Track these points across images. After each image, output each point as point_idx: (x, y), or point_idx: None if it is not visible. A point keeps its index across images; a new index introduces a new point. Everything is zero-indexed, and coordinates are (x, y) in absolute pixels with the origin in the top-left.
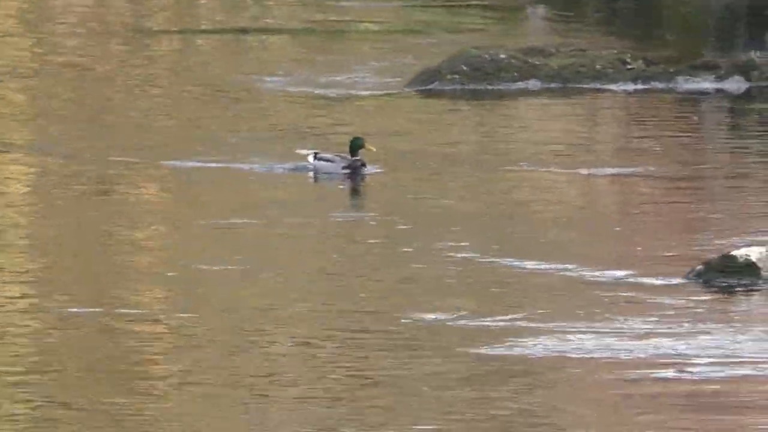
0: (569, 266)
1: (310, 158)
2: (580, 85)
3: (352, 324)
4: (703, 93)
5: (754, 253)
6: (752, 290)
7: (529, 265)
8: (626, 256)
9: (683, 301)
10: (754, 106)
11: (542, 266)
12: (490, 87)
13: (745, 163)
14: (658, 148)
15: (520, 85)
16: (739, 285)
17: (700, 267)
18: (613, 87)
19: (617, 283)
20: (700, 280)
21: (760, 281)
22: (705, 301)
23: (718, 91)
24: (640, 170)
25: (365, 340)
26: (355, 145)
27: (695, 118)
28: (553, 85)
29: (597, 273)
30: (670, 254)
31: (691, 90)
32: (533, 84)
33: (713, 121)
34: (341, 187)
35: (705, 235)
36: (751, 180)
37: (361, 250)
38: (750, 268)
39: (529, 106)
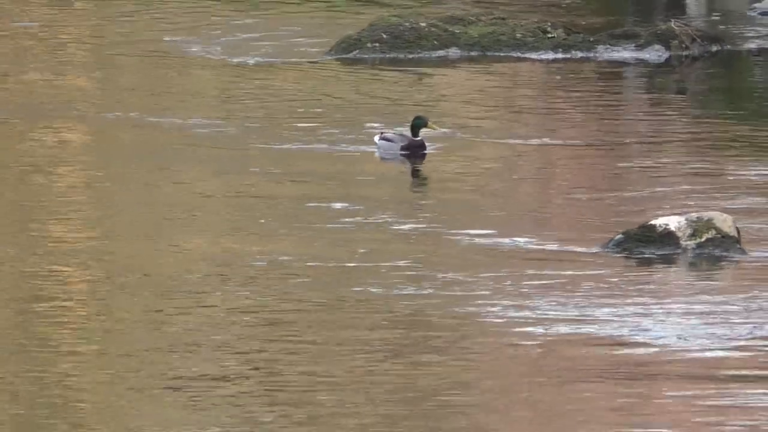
0: (486, 234)
1: (376, 138)
2: (500, 54)
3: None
4: (623, 62)
5: (672, 223)
6: (671, 260)
7: (446, 233)
8: (545, 225)
9: (601, 270)
10: (674, 75)
11: (459, 234)
12: (410, 55)
13: (665, 133)
14: (578, 117)
15: (441, 53)
16: (658, 254)
17: (619, 236)
18: (533, 56)
19: (535, 253)
20: (619, 250)
21: (679, 250)
22: (622, 270)
23: (638, 60)
24: (560, 139)
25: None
26: (416, 125)
27: (616, 86)
28: (473, 53)
29: (515, 242)
30: (590, 224)
31: (611, 59)
32: (453, 52)
33: (633, 90)
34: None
35: (625, 204)
36: (672, 150)
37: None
38: (669, 237)
39: (448, 74)
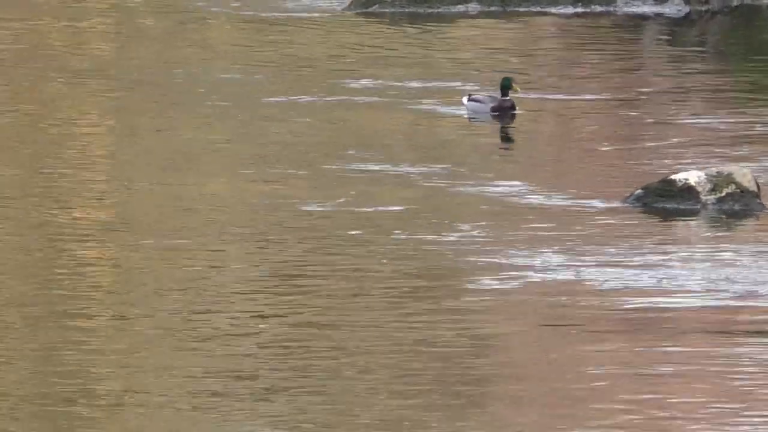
0: (509, 190)
1: (464, 99)
2: (520, 9)
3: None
4: (643, 17)
5: (692, 177)
6: (691, 214)
7: (470, 189)
8: (567, 180)
9: (620, 224)
10: (694, 30)
11: (482, 190)
12: (430, 10)
13: (685, 89)
14: (598, 72)
15: (461, 8)
16: (678, 209)
17: (639, 191)
18: (552, 10)
19: (556, 207)
20: (639, 204)
21: (699, 205)
22: (642, 224)
23: (658, 15)
24: (581, 94)
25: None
26: (505, 86)
27: (636, 41)
28: (492, 8)
29: (536, 197)
30: (612, 178)
31: (630, 13)
32: (473, 7)
33: (653, 45)
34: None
35: (646, 159)
36: (691, 105)
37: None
38: (689, 191)
39: (469, 28)
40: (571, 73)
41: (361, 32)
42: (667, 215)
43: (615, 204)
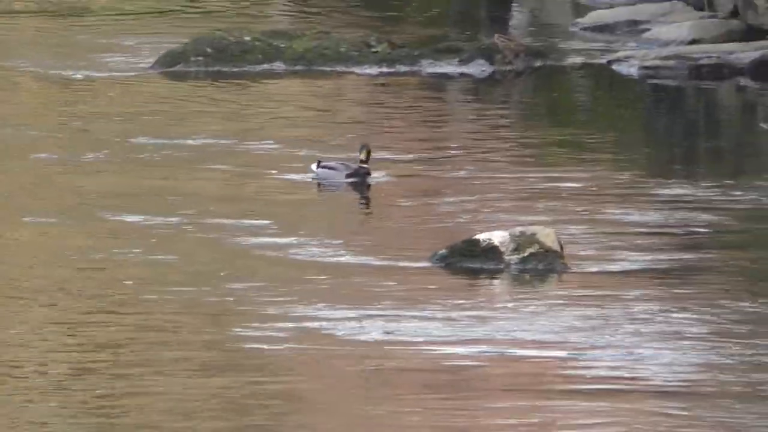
0: (309, 248)
1: (313, 167)
2: (324, 68)
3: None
4: (448, 76)
5: (496, 237)
6: (494, 274)
7: (269, 245)
8: (371, 238)
9: (423, 284)
10: (497, 90)
11: (282, 247)
12: (235, 69)
13: (490, 145)
14: (403, 132)
15: (265, 66)
16: (481, 269)
17: (443, 251)
18: (357, 70)
19: (358, 266)
20: (443, 264)
21: (502, 265)
22: (445, 284)
23: (462, 74)
24: (386, 153)
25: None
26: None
27: (439, 100)
28: (297, 67)
29: (339, 257)
30: (416, 239)
31: (435, 73)
32: (278, 66)
33: (457, 104)
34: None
35: (451, 220)
36: (498, 165)
37: None
38: (492, 251)
39: (273, 87)
40: (374, 130)
41: (162, 91)
42: (470, 274)
43: (420, 264)
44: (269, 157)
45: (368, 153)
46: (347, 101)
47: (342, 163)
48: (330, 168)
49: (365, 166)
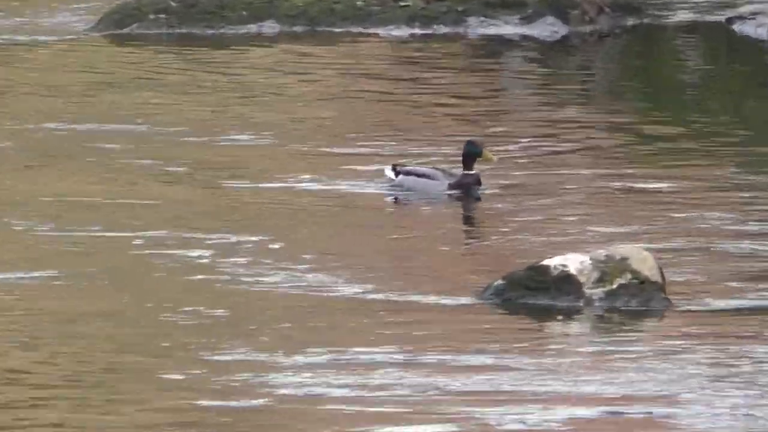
0: (333, 281)
1: (389, 172)
2: (334, 29)
3: None
4: (505, 39)
5: (573, 263)
6: (571, 315)
7: (298, 280)
8: (402, 269)
9: (473, 327)
10: (573, 58)
11: (307, 282)
12: (210, 31)
13: (560, 137)
14: (445, 119)
15: (252, 27)
16: (553, 306)
17: (499, 282)
18: (380, 31)
19: (392, 304)
20: (500, 300)
21: (582, 301)
22: (504, 328)
23: (525, 37)
24: (427, 149)
25: None
26: (471, 153)
27: (492, 75)
28: (296, 28)
29: (367, 293)
30: (464, 265)
31: (487, 35)
32: (270, 26)
33: (516, 81)
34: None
35: (508, 236)
36: (571, 161)
37: None
38: (568, 282)
39: (263, 56)
40: (402, 121)
41: (104, 60)
42: (539, 314)
43: (466, 300)
44: (259, 156)
45: (480, 153)
46: (367, 75)
47: (437, 168)
48: (422, 175)
49: (473, 173)
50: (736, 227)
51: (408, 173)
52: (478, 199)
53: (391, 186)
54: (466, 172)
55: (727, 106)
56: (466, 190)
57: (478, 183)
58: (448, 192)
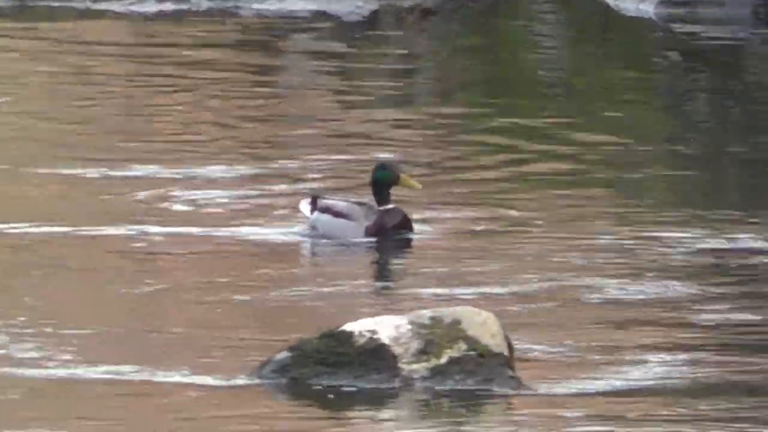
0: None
1: (305, 207)
2: (52, 2)
3: None
4: (291, 18)
5: (385, 328)
6: (383, 401)
7: None
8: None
9: (250, 416)
10: (383, 45)
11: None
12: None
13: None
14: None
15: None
16: (359, 390)
17: (284, 354)
18: (115, 6)
19: (126, 385)
20: (284, 380)
21: (397, 382)
22: (284, 419)
23: (319, 15)
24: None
25: None
26: (382, 179)
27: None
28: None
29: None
30: (231, 338)
31: (267, 12)
32: None
33: (300, 81)
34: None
35: (301, 291)
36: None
37: None
38: (378, 356)
39: None
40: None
41: None
42: (338, 401)
43: (239, 380)
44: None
45: (395, 180)
46: (88, 70)
47: (361, 203)
48: (339, 214)
49: (391, 207)
50: (595, 270)
51: (325, 209)
52: (410, 241)
53: (309, 225)
54: (382, 207)
55: (592, 108)
56: (386, 236)
57: (406, 224)
58: (364, 239)
